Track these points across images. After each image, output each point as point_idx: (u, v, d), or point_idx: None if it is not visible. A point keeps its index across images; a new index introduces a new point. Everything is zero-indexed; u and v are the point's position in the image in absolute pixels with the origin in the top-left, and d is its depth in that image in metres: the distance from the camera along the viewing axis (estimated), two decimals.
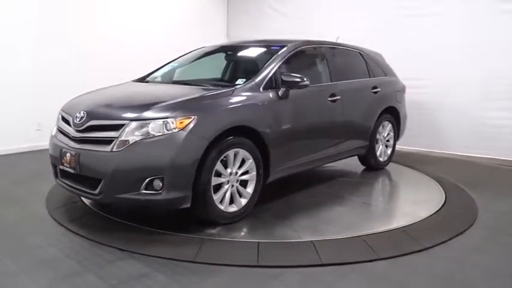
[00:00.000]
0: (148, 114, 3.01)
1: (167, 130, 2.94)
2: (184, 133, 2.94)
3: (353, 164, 5.21)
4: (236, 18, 8.59)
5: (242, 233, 3.25)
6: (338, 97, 4.29)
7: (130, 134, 2.95)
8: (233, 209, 3.35)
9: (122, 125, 2.99)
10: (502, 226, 3.51)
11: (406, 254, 2.88)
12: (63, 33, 6.19)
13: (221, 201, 3.25)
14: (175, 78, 4.39)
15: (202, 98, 3.29)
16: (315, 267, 2.70)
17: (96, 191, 3.04)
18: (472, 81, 5.83)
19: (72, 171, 3.18)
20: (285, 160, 3.78)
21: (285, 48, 4.01)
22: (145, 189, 2.92)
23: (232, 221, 3.35)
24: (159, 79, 4.38)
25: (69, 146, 3.21)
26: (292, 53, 4.04)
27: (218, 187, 3.24)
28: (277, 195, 4.08)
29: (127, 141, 2.94)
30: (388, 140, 5.29)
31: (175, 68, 4.59)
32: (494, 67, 5.64)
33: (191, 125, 2.97)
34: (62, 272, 2.58)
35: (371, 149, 4.98)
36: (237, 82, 3.66)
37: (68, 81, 5.96)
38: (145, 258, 2.76)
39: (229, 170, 3.29)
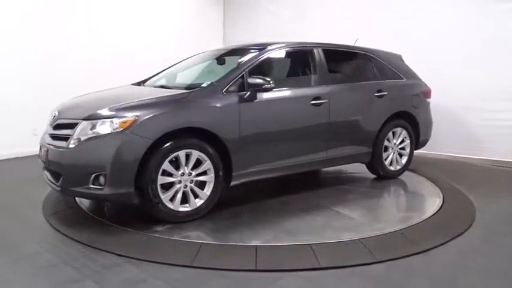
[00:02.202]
0: (98, 114, 3.25)
1: (112, 130, 3.15)
2: (126, 132, 3.13)
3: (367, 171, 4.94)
4: (233, 22, 8.59)
5: (185, 233, 3.23)
6: (324, 100, 4.11)
7: (82, 132, 3.21)
8: (185, 208, 3.41)
9: (76, 124, 3.27)
10: (500, 227, 3.52)
11: (404, 257, 2.88)
12: (59, 37, 6.17)
13: (172, 200, 3.35)
14: (165, 83, 4.39)
15: (151, 100, 3.42)
16: (314, 271, 2.69)
17: (58, 184, 3.29)
18: (468, 82, 5.84)
19: (44, 165, 3.55)
20: (251, 164, 3.73)
21: (258, 52, 3.99)
22: (92, 184, 3.15)
23: (184, 220, 3.40)
24: (152, 83, 4.43)
25: (45, 143, 3.54)
26: (268, 55, 4.01)
27: (170, 186, 3.35)
28: (248, 199, 4.03)
29: (79, 138, 3.20)
30: (403, 148, 4.92)
31: (173, 72, 4.61)
32: (492, 69, 5.65)
33: (133, 125, 3.15)
34: (59, 279, 2.55)
35: (377, 156, 4.66)
36: (202, 85, 3.70)
37: (64, 85, 5.91)
38: (143, 264, 2.74)
39: (181, 170, 3.35)
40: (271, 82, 3.63)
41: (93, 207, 3.82)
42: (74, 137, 3.22)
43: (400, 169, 4.94)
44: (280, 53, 4.22)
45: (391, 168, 4.85)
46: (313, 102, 4.07)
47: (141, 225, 3.32)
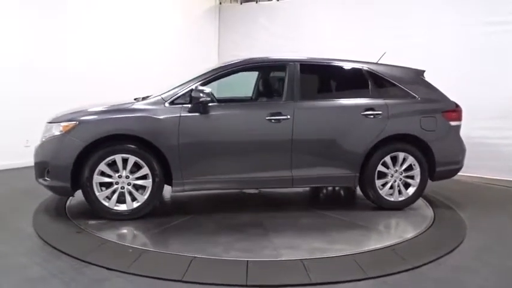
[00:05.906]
0: (55, 119, 3.82)
1: (59, 132, 3.69)
2: (65, 135, 3.65)
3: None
4: (228, 37, 8.68)
5: (116, 235, 3.43)
6: (285, 117, 3.93)
7: (45, 133, 3.82)
8: (120, 208, 3.75)
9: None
10: (491, 245, 3.53)
11: (395, 273, 2.88)
12: (52, 49, 6.20)
13: (109, 198, 3.74)
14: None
15: (100, 108, 3.83)
16: (305, 287, 2.69)
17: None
18: (460, 101, 5.90)
19: None
20: (196, 174, 3.86)
21: (217, 66, 4.13)
22: (46, 176, 3.73)
23: (118, 218, 3.73)
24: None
25: None
26: (229, 70, 4.07)
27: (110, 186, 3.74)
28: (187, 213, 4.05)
29: (43, 138, 3.81)
30: (410, 177, 4.28)
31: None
32: (482, 86, 5.73)
33: (72, 130, 3.64)
34: None
35: (368, 182, 4.17)
36: (149, 97, 3.94)
37: (57, 96, 5.91)
38: (133, 278, 2.72)
39: (119, 173, 3.72)
40: (211, 95, 3.79)
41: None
42: (41, 137, 3.85)
43: (403, 200, 4.28)
44: (248, 69, 4.29)
45: (391, 198, 4.27)
46: (269, 117, 3.93)
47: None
